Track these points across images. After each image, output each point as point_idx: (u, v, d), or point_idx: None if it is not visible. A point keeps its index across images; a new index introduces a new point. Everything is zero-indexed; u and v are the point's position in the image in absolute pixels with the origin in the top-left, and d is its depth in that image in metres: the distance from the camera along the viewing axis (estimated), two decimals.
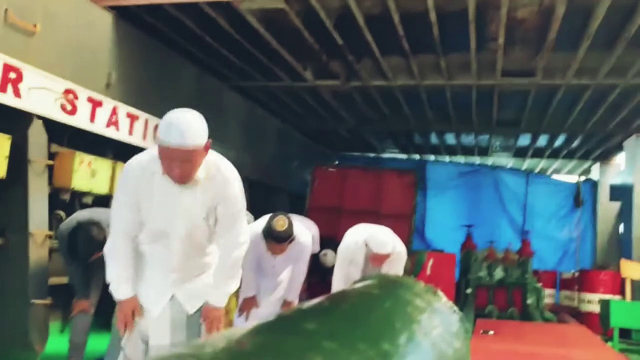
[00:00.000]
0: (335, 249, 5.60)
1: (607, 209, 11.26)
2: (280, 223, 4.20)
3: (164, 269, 2.82)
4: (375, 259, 4.56)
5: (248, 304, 4.57)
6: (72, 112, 4.91)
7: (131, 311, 2.80)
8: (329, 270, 5.94)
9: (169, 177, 2.63)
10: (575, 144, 10.93)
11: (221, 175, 2.75)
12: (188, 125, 2.54)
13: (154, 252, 2.82)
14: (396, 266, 4.74)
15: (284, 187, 10.07)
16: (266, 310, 4.56)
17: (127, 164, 2.79)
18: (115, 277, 2.79)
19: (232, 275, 2.89)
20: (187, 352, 0.92)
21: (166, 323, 2.83)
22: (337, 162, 12.33)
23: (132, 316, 2.80)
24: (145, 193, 2.69)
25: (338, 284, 4.69)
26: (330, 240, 7.40)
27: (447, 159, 13.34)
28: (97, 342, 4.64)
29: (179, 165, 2.53)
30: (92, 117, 5.15)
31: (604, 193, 11.40)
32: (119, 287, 2.79)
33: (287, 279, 4.67)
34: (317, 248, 7.35)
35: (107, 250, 2.82)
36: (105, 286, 4.33)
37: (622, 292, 8.15)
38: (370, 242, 4.55)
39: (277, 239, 4.22)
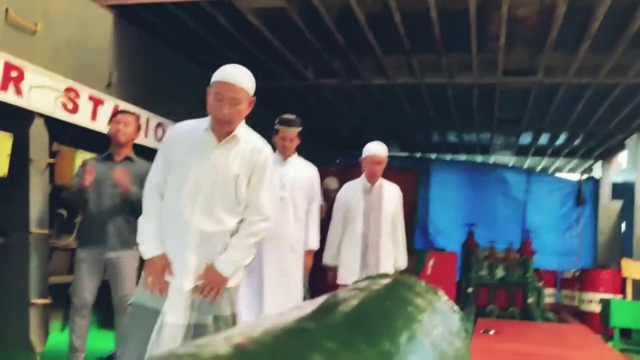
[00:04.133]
0: None
1: (609, 207, 11.25)
2: (290, 115, 4.66)
3: (183, 236, 2.76)
4: (372, 164, 4.85)
5: None
6: (74, 110, 4.91)
7: (162, 270, 2.75)
8: (332, 195, 6.03)
9: (210, 132, 2.80)
10: (577, 142, 10.92)
11: (256, 144, 2.90)
12: (239, 69, 2.84)
13: (173, 217, 2.79)
14: (396, 199, 4.99)
15: None
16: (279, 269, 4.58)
17: (172, 127, 3.01)
18: (145, 234, 2.82)
19: (250, 246, 2.87)
20: (185, 352, 0.92)
21: (184, 301, 2.74)
22: (338, 161, 12.32)
23: (162, 275, 2.74)
24: (182, 147, 2.82)
25: (334, 228, 4.95)
26: None
27: (448, 157, 13.34)
28: (97, 342, 4.65)
29: (227, 104, 2.73)
30: (94, 116, 5.16)
31: (605, 192, 11.39)
32: (150, 243, 2.80)
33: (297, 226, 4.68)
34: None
35: (142, 203, 2.89)
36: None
37: (623, 292, 8.15)
38: (364, 150, 4.92)
39: (287, 123, 4.59)
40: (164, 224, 2.81)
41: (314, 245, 4.85)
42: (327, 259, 4.98)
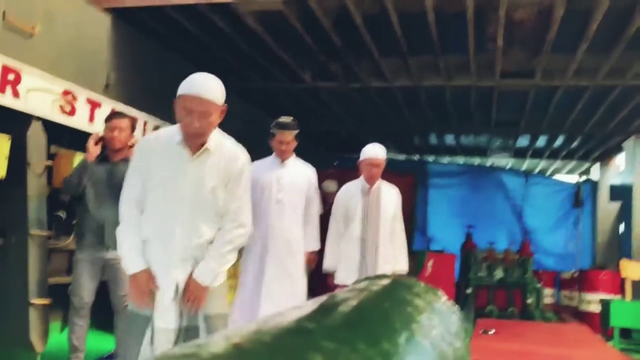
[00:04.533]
0: None
1: (607, 209, 11.26)
2: (287, 118, 4.64)
3: (166, 250, 2.78)
4: (371, 167, 4.81)
5: None
6: (71, 113, 4.91)
7: (145, 284, 2.76)
8: (331, 198, 6.02)
9: (183, 146, 2.76)
10: (575, 144, 10.94)
11: (231, 152, 2.89)
12: (208, 79, 2.76)
13: (156, 232, 2.80)
14: (395, 200, 4.97)
15: None
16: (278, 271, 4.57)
17: (143, 138, 2.90)
18: (126, 249, 2.81)
19: (225, 253, 2.85)
20: (185, 353, 0.92)
21: (172, 307, 2.77)
22: (336, 163, 12.32)
23: (147, 290, 2.76)
24: (157, 162, 2.80)
25: (333, 232, 4.90)
26: None
27: (446, 159, 13.35)
28: (96, 343, 4.65)
29: (198, 118, 2.66)
30: (91, 118, 5.16)
31: (603, 193, 11.40)
32: (132, 260, 2.79)
33: (290, 210, 4.66)
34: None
35: (120, 219, 2.85)
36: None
37: (622, 292, 8.15)
38: (362, 153, 4.88)
39: (284, 126, 4.56)
40: (147, 239, 2.81)
41: (314, 246, 4.82)
42: (328, 265, 4.94)
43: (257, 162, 4.73)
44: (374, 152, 4.87)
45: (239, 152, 2.93)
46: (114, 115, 4.56)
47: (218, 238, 2.85)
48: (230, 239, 2.85)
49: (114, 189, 4.23)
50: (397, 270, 4.85)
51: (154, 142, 2.88)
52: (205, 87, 2.70)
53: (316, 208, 4.84)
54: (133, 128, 4.51)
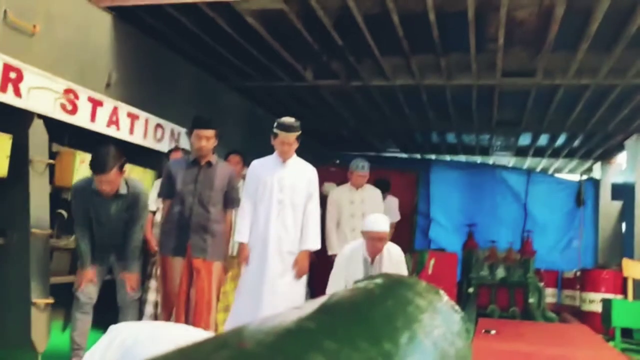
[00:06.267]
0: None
1: (609, 208, 11.25)
2: (289, 118, 4.64)
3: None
4: (374, 240, 4.52)
5: (242, 253, 4.68)
6: (73, 111, 4.92)
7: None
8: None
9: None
10: (576, 143, 10.92)
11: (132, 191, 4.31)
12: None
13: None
14: (398, 268, 4.67)
15: None
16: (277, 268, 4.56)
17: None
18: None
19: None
20: (183, 353, 0.92)
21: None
22: (338, 162, 12.33)
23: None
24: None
25: (334, 285, 4.61)
26: (329, 256, 7.20)
27: (448, 158, 13.34)
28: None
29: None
30: (93, 117, 5.16)
31: (605, 192, 11.39)
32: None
33: (290, 210, 4.64)
34: None
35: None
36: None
37: (624, 292, 8.15)
38: (365, 224, 4.64)
39: (286, 128, 4.58)
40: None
41: (313, 245, 4.70)
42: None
43: (258, 161, 4.78)
44: (378, 225, 4.52)
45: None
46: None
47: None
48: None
49: (120, 214, 4.43)
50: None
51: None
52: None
53: (316, 207, 4.82)
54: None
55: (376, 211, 5.57)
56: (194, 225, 4.47)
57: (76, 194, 4.34)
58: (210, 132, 4.46)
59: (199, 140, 4.45)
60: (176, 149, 5.87)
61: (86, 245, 4.34)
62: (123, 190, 4.30)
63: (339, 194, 6.49)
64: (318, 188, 4.86)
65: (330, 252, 6.14)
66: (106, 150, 4.10)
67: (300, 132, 4.66)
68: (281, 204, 4.60)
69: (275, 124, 4.64)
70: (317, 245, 4.74)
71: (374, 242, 4.52)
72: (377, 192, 6.61)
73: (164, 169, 4.79)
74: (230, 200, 4.67)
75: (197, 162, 4.54)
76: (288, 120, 4.63)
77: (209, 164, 4.55)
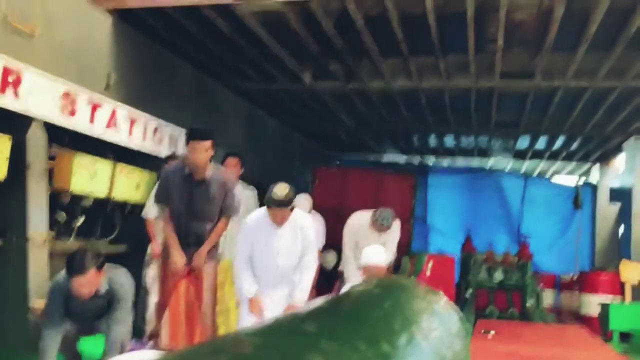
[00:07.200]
0: (337, 251, 5.83)
1: (607, 211, 11.26)
2: (281, 188, 4.24)
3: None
4: (373, 270, 4.76)
5: (254, 305, 4.45)
6: (72, 114, 4.91)
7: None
8: (329, 274, 6.02)
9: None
10: (575, 145, 10.93)
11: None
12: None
13: None
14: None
15: None
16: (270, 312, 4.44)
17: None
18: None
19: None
20: (185, 356, 0.92)
21: None
22: (338, 163, 12.36)
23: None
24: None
25: (348, 262, 5.16)
26: (331, 245, 7.29)
27: (446, 160, 13.35)
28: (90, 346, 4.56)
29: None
30: (92, 119, 5.16)
31: (603, 195, 11.40)
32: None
33: (290, 270, 4.52)
34: (321, 241, 6.77)
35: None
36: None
37: (622, 294, 8.16)
38: (363, 257, 4.91)
39: (277, 204, 4.22)
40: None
41: (300, 302, 4.43)
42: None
43: (252, 222, 4.50)
44: (377, 259, 4.80)
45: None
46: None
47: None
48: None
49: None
50: None
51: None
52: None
53: (313, 259, 4.59)
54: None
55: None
56: (192, 241, 4.47)
57: (52, 295, 3.87)
58: (206, 144, 4.26)
59: (194, 152, 4.25)
60: (173, 156, 5.73)
61: (52, 350, 3.78)
62: (103, 288, 3.83)
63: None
64: (313, 237, 4.57)
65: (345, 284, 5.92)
66: (82, 251, 3.73)
67: (293, 205, 4.34)
68: (279, 268, 4.46)
69: (267, 197, 4.31)
70: (304, 302, 4.50)
71: (373, 272, 4.71)
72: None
73: (161, 175, 4.72)
74: (227, 208, 4.55)
75: (192, 177, 4.38)
76: (280, 193, 4.24)
77: (204, 180, 4.41)
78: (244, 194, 5.99)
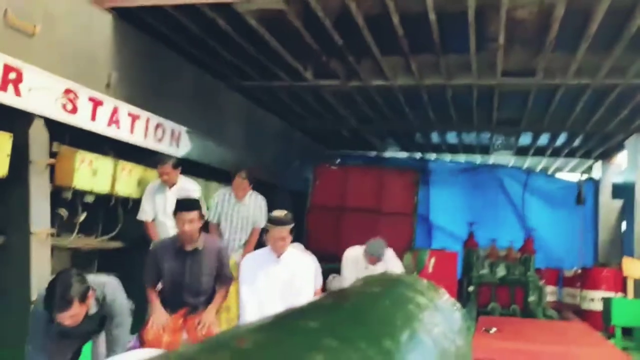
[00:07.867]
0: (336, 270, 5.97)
1: (609, 207, 11.26)
2: (279, 211, 4.38)
3: None
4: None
5: None
6: (73, 111, 4.92)
7: None
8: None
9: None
10: (577, 143, 10.92)
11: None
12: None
13: None
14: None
15: (286, 185, 10.09)
16: None
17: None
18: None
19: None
20: (186, 353, 0.92)
21: None
22: (338, 161, 12.34)
23: None
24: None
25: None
26: (330, 255, 7.13)
27: (448, 157, 13.34)
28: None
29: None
30: (93, 116, 5.16)
31: (605, 191, 11.40)
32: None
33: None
34: (319, 281, 6.45)
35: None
36: None
37: (624, 290, 8.16)
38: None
39: (277, 222, 4.27)
40: None
41: None
42: None
43: (251, 257, 4.55)
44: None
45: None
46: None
47: None
48: None
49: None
50: None
51: None
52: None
53: (311, 293, 4.53)
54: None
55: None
56: (187, 309, 4.41)
57: (33, 321, 3.60)
58: (192, 215, 4.16)
59: (182, 224, 4.16)
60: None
61: None
62: (93, 309, 3.55)
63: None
64: (316, 275, 4.66)
65: None
66: (64, 279, 3.31)
67: (293, 225, 4.33)
68: (282, 300, 4.32)
69: (267, 222, 4.38)
70: None
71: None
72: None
73: (149, 254, 4.55)
74: (223, 279, 4.48)
75: (183, 249, 4.30)
76: (279, 213, 4.32)
77: (196, 250, 4.32)
78: (258, 201, 6.09)
